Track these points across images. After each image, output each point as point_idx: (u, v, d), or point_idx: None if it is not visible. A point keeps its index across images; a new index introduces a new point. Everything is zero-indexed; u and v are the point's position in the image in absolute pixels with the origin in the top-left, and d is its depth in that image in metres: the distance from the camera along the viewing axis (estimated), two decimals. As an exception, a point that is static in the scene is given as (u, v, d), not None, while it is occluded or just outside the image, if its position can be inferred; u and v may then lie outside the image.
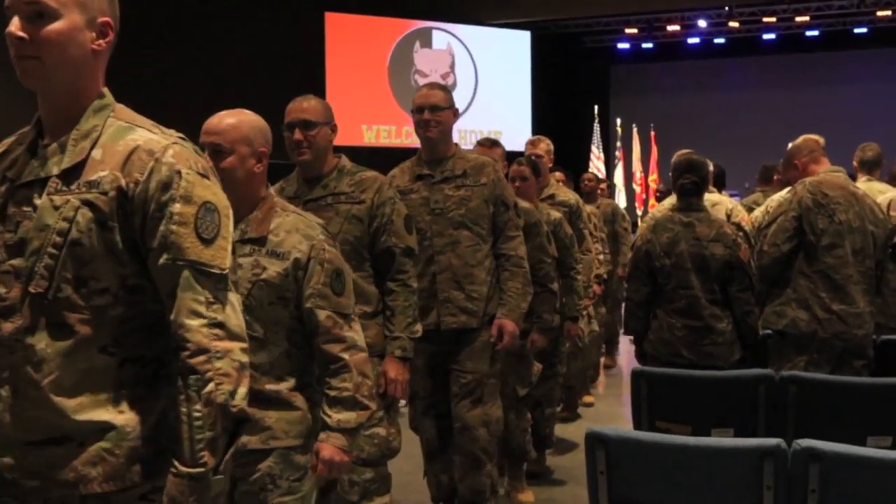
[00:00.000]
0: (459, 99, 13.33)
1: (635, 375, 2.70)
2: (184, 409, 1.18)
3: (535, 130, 12.48)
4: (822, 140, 3.55)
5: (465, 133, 11.93)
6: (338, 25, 11.47)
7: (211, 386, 1.18)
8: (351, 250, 2.39)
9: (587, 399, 5.38)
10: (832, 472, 1.79)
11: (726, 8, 12.06)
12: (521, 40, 12.44)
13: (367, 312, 2.42)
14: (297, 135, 2.42)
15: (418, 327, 2.52)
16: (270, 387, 1.86)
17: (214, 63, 11.78)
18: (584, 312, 4.94)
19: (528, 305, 3.02)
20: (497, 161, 3.86)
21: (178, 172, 1.22)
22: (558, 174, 4.82)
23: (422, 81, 12.02)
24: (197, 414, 1.17)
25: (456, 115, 3.00)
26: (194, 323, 1.19)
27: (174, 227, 1.20)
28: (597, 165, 10.12)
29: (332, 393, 1.85)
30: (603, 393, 5.92)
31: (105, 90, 1.30)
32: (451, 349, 2.92)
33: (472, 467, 2.92)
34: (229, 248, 1.26)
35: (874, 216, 3.33)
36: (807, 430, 2.19)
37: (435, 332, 2.83)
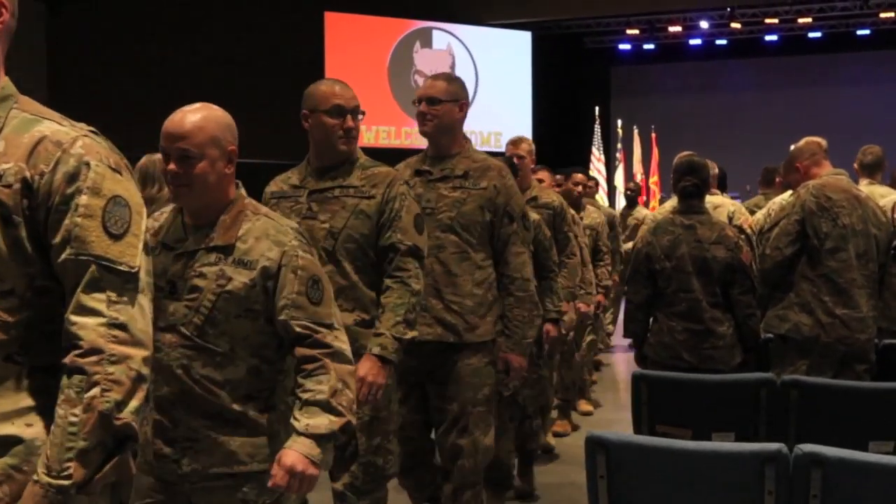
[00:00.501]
0: (459, 99, 13.24)
1: (635, 379, 2.69)
2: (60, 412, 1.06)
3: (536, 131, 12.47)
4: (824, 142, 3.55)
5: (465, 133, 12.01)
6: (337, 25, 11.48)
7: (96, 391, 1.06)
8: (356, 248, 2.27)
9: (585, 407, 5.26)
10: (834, 478, 1.79)
11: (728, 9, 12.06)
12: (521, 41, 12.45)
13: (364, 320, 2.27)
14: (349, 122, 2.30)
15: (409, 332, 2.25)
16: (236, 407, 1.71)
17: (214, 62, 11.78)
18: (588, 322, 4.87)
19: (535, 333, 2.78)
20: (524, 157, 3.82)
21: (87, 164, 1.13)
22: (542, 174, 4.51)
23: (422, 82, 12.04)
24: (73, 419, 1.05)
25: (462, 108, 2.74)
26: (90, 321, 1.08)
27: (79, 220, 1.10)
28: (597, 167, 10.13)
29: (305, 395, 1.66)
30: (602, 397, 5.91)
31: (7, 80, 1.20)
32: (432, 369, 2.62)
33: (459, 492, 2.69)
34: (140, 246, 1.16)
35: (877, 219, 3.34)
36: (808, 434, 2.19)
37: (416, 345, 2.46)
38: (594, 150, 10.49)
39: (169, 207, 1.88)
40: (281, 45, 12.21)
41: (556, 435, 4.60)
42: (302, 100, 2.36)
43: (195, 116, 1.73)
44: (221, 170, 1.74)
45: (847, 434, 2.33)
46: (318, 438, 1.64)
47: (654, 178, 10.95)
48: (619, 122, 11.66)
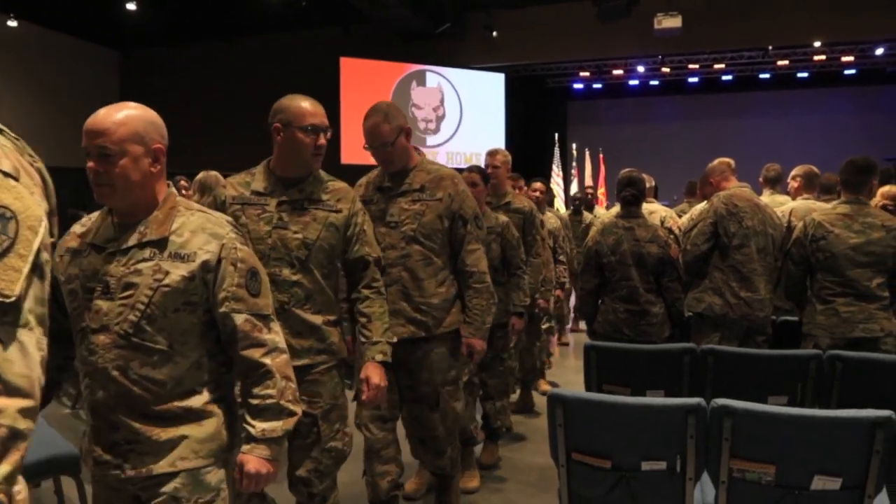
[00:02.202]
0: (447, 127, 13.31)
1: (587, 349, 2.69)
2: None
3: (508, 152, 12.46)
4: (732, 162, 3.58)
5: (452, 155, 11.96)
6: (350, 68, 11.42)
7: None
8: (325, 257, 1.99)
9: (544, 387, 4.82)
10: (741, 425, 1.80)
11: (659, 56, 12.09)
12: (496, 80, 12.42)
13: (331, 321, 2.02)
14: (321, 140, 2.00)
15: (391, 335, 2.08)
16: (178, 404, 1.39)
17: (250, 98, 11.71)
18: (545, 315, 4.41)
19: (493, 319, 2.50)
20: (499, 167, 3.58)
21: None
22: (517, 182, 4.28)
23: (417, 113, 11.97)
24: None
25: (409, 133, 2.37)
26: None
27: None
28: (557, 181, 10.10)
29: (255, 402, 1.41)
30: (561, 363, 5.93)
31: None
32: (403, 358, 2.36)
33: (434, 456, 2.51)
34: (26, 269, 0.70)
35: (773, 222, 3.37)
36: (721, 391, 2.20)
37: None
38: (554, 167, 10.46)
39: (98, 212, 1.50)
40: (304, 84, 12.10)
41: (515, 412, 4.25)
42: (273, 111, 2.02)
43: (116, 113, 1.36)
44: (146, 168, 1.38)
45: (751, 390, 2.35)
46: (275, 441, 1.42)
47: (601, 190, 10.95)
48: (574, 146, 11.65)
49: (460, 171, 3.24)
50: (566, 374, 5.49)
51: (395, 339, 2.09)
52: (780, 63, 12.02)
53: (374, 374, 2.00)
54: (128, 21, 10.84)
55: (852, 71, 12.17)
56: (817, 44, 11.03)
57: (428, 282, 2.36)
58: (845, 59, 11.57)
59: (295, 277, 1.95)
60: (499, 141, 12.47)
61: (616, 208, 3.68)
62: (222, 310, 1.41)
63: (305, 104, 1.99)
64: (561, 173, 10.60)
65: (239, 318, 1.41)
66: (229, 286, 1.41)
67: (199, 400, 1.41)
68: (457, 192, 2.39)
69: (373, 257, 2.06)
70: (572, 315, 6.99)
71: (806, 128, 13.05)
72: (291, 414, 1.44)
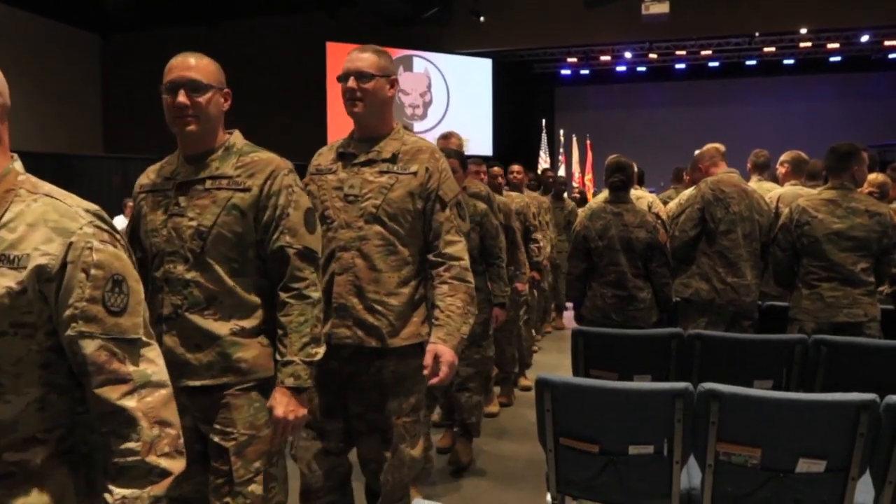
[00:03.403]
0: (435, 113, 13.23)
1: (574, 334, 2.69)
2: None
3: (495, 139, 12.44)
4: (722, 147, 3.57)
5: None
6: (337, 53, 11.28)
7: None
8: (229, 249, 1.57)
9: (525, 383, 4.60)
10: (727, 408, 1.81)
11: (647, 42, 12.08)
12: (483, 66, 12.35)
13: (243, 329, 1.57)
14: (181, 97, 1.55)
15: (318, 349, 1.58)
16: (10, 457, 0.97)
17: (237, 83, 11.55)
18: (523, 299, 4.24)
19: (470, 329, 1.86)
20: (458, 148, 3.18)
21: None
22: (480, 167, 3.89)
23: (405, 99, 11.89)
24: None
25: (394, 85, 1.91)
26: None
27: None
28: (543, 167, 10.11)
29: (114, 459, 0.99)
30: (549, 348, 5.95)
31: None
32: (353, 371, 1.87)
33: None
34: None
35: (760, 208, 3.38)
36: (708, 375, 2.21)
37: (335, 347, 1.83)
38: (542, 153, 10.47)
39: None
40: (290, 69, 12.00)
41: (501, 405, 4.23)
42: None
43: None
44: None
45: (737, 374, 2.35)
46: None
47: (588, 176, 10.97)
48: (561, 132, 11.65)
49: None
50: (553, 357, 5.51)
51: (319, 355, 1.58)
52: (766, 50, 12.07)
53: (277, 404, 1.55)
54: (108, 4, 10.64)
55: (838, 58, 12.24)
56: (803, 31, 11.08)
57: (388, 275, 1.84)
58: (831, 45, 11.64)
59: (189, 275, 1.57)
60: (486, 126, 12.43)
61: (603, 194, 3.67)
62: (69, 333, 0.98)
63: (174, 59, 1.60)
64: (548, 160, 10.60)
65: (90, 346, 0.98)
66: (78, 301, 0.98)
67: (39, 453, 0.99)
68: (436, 169, 1.89)
69: (296, 249, 1.59)
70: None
71: (791, 114, 13.12)
72: (164, 474, 1.01)
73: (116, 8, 10.56)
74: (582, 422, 1.93)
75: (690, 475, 2.03)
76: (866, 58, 12.32)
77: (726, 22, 10.80)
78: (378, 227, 1.84)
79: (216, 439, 1.58)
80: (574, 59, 13.07)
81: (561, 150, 11.59)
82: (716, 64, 12.92)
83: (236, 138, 1.67)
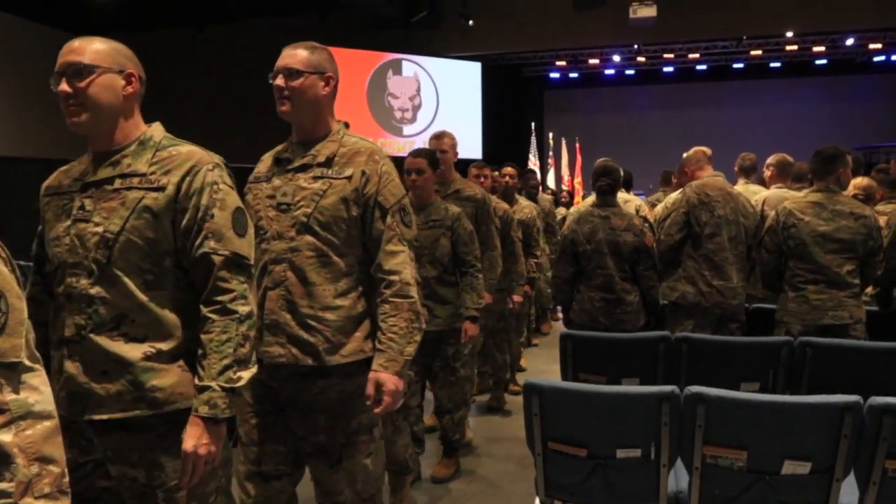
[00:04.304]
0: (424, 116, 13.26)
1: (563, 337, 2.69)
2: None
3: (485, 142, 12.46)
4: (709, 151, 3.59)
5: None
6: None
7: None
8: (140, 259, 1.36)
9: (516, 388, 4.43)
10: (714, 411, 1.82)
11: (635, 46, 12.16)
12: (473, 70, 12.38)
13: (161, 352, 1.36)
14: (62, 86, 1.37)
15: (243, 373, 1.37)
16: None
17: (213, 88, 11.52)
18: (522, 310, 4.17)
19: (415, 349, 1.71)
20: (447, 151, 3.15)
21: None
22: (482, 170, 3.85)
23: (394, 102, 11.89)
24: None
25: (329, 83, 1.74)
26: None
27: None
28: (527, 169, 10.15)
29: None
30: (538, 353, 5.95)
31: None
32: (294, 392, 1.71)
33: None
34: None
35: (745, 211, 3.40)
36: (695, 378, 2.22)
37: (272, 367, 1.69)
38: (531, 156, 10.49)
39: None
40: (280, 72, 11.91)
41: (492, 409, 4.21)
42: None
43: None
44: None
45: (724, 378, 2.37)
46: None
47: (578, 179, 11.00)
48: (551, 135, 11.70)
49: (403, 157, 2.75)
50: (542, 362, 5.50)
51: (244, 379, 1.37)
52: (753, 53, 12.18)
53: (188, 437, 1.34)
54: (95, 7, 10.57)
55: (823, 61, 12.38)
56: (789, 34, 11.19)
57: (322, 288, 1.67)
58: (817, 49, 11.77)
59: (94, 290, 1.35)
60: (475, 129, 12.46)
61: (591, 198, 3.69)
62: None
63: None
64: (538, 163, 10.63)
65: None
66: None
67: None
68: (375, 172, 1.71)
69: (222, 255, 1.38)
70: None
71: (778, 117, 13.25)
72: None
73: (102, 11, 10.50)
74: (570, 426, 1.94)
75: (678, 478, 2.03)
76: (851, 61, 12.47)
77: (713, 25, 10.89)
78: (309, 238, 1.68)
79: (143, 479, 1.36)
80: (563, 63, 13.13)
81: (550, 153, 11.64)
82: (703, 67, 13.04)
83: (154, 130, 1.45)
